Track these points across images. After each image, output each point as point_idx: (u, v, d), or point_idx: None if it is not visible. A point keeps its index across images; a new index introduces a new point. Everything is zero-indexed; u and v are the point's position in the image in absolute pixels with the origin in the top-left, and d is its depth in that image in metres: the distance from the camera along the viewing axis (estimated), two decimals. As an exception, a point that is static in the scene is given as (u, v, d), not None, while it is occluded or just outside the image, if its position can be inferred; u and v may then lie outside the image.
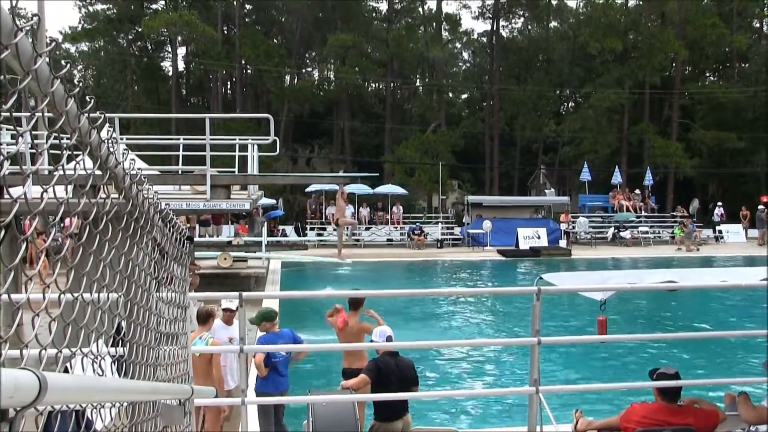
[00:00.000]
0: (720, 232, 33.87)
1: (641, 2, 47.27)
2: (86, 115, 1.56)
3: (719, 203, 36.66)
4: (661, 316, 16.12)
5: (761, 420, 5.94)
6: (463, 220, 33.00)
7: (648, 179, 36.64)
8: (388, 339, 6.96)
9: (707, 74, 51.88)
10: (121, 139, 12.92)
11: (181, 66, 47.91)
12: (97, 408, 1.95)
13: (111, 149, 1.83)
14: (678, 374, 5.83)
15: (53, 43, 1.29)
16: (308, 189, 32.51)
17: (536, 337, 4.89)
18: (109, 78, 49.47)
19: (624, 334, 10.53)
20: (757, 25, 50.64)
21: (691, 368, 10.65)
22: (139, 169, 2.22)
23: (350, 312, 8.25)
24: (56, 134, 1.45)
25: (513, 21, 51.13)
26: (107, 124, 1.78)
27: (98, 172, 1.82)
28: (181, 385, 3.18)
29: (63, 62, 1.37)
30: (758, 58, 46.57)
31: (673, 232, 32.54)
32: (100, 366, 1.87)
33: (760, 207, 33.04)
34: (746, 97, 44.03)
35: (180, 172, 14.02)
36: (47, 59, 1.27)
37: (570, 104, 53.52)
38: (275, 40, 47.77)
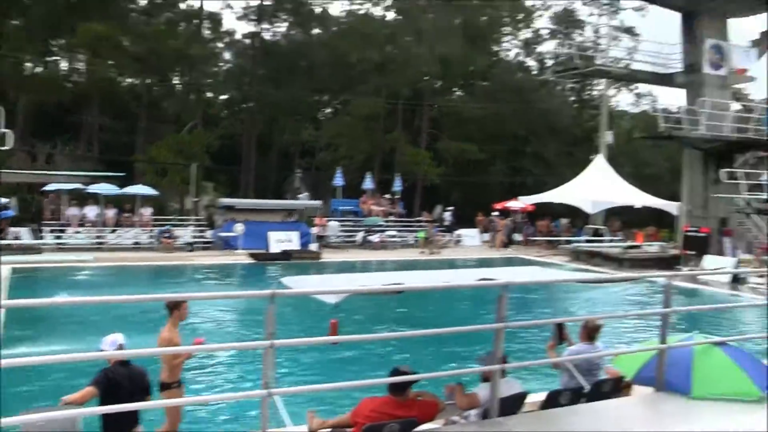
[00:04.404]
0: (459, 236, 36.51)
1: (399, 17, 49.60)
2: None
3: (449, 208, 39.60)
4: (392, 316, 17.06)
5: (472, 406, 6.56)
6: (216, 223, 32.51)
7: (397, 185, 38.62)
8: (120, 347, 6.71)
9: (455, 90, 55.60)
10: None
11: None
12: None
13: None
14: (410, 371, 6.17)
15: None
16: (46, 188, 29.94)
17: (269, 340, 4.94)
18: None
19: (355, 335, 10.96)
20: (496, 48, 55.35)
21: (419, 364, 11.34)
22: None
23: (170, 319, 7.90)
24: None
25: (276, 25, 51.15)
26: None
27: None
28: None
29: None
30: (497, 79, 50.91)
31: (417, 236, 34.51)
32: None
33: (494, 213, 36.61)
34: (487, 112, 47.92)
35: None
36: None
37: (329, 110, 54.76)
38: (15, 22, 43.42)
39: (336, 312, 6.51)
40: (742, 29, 33.10)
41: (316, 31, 51.33)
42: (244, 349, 12.39)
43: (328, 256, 29.28)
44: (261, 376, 5.18)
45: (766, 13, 32.13)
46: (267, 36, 50.17)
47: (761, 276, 23.61)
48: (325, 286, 6.90)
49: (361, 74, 46.16)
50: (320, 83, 48.72)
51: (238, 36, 51.38)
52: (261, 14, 48.03)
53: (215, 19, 47.36)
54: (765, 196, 25.35)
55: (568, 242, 34.86)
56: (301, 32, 51.26)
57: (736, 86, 32.35)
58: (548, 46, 55.62)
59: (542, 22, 56.02)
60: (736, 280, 24.74)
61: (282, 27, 51.30)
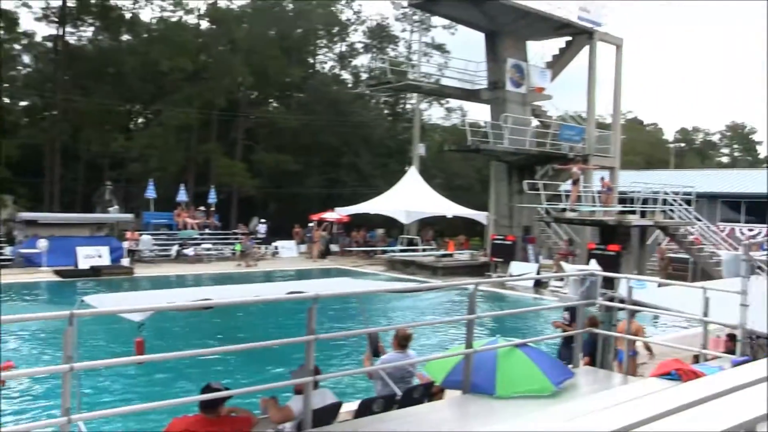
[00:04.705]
0: (276, 247, 36.36)
1: (213, 26, 48.74)
2: None
3: (262, 220, 39.53)
4: (205, 332, 16.70)
5: (287, 418, 6.53)
6: (17, 239, 30.24)
7: (212, 197, 37.88)
8: None
9: (270, 101, 55.43)
10: None
11: None
12: None
13: None
14: (222, 388, 6.02)
15: None
16: None
17: (68, 363, 4.61)
18: None
19: (162, 353, 10.63)
20: (311, 60, 55.90)
21: (233, 379, 11.16)
22: None
23: None
24: None
25: (81, 28, 48.21)
26: None
27: None
28: None
29: None
30: (312, 91, 51.36)
31: (234, 249, 33.99)
32: None
33: (310, 225, 36.80)
34: (302, 124, 48.20)
35: None
36: None
37: (140, 120, 52.63)
38: None
39: (143, 330, 6.26)
40: (538, 52, 35.55)
41: (125, 37, 49.04)
42: (42, 374, 11.62)
43: (142, 271, 28.18)
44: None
45: (556, 39, 35.11)
46: (71, 40, 47.20)
47: (560, 279, 25.46)
48: (132, 304, 6.60)
49: (173, 83, 44.68)
50: (130, 92, 46.63)
51: (38, 38, 47.99)
52: (64, 16, 45.15)
53: (10, 18, 43.75)
54: (562, 206, 27.31)
55: (384, 252, 35.83)
56: (109, 37, 48.74)
57: (535, 103, 34.64)
58: (363, 60, 56.99)
59: (357, 36, 57.38)
60: (539, 284, 26.48)
61: (88, 31, 48.49)
